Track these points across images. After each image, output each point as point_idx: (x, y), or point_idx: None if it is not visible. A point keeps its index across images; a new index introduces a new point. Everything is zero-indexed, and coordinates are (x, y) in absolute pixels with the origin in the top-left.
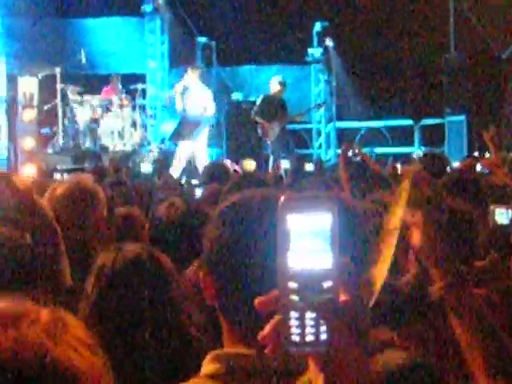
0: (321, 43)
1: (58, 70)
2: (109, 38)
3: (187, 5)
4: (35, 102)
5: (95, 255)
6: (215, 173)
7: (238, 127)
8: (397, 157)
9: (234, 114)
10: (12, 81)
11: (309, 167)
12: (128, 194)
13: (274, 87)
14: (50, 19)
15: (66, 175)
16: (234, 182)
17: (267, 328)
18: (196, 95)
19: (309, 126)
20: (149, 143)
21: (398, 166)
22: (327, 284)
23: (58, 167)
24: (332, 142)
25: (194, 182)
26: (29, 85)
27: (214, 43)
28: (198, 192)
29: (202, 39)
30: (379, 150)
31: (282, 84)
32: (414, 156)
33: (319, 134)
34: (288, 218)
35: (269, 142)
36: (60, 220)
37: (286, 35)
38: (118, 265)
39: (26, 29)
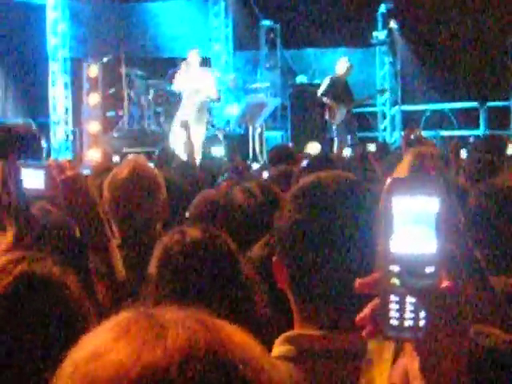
0: (385, 25)
1: (122, 54)
2: (173, 22)
3: None
4: (100, 86)
5: (158, 238)
6: (282, 155)
7: (302, 110)
8: (462, 139)
9: (298, 97)
10: (77, 65)
11: (372, 148)
12: (195, 176)
13: (341, 69)
14: (114, 3)
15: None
16: (306, 164)
17: (365, 310)
18: (194, 78)
19: (374, 108)
20: (213, 126)
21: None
22: (430, 269)
23: (125, 150)
24: (397, 125)
25: (255, 165)
26: (93, 69)
27: (278, 26)
28: (265, 174)
29: (266, 22)
30: (445, 132)
31: (350, 66)
32: (471, 139)
33: (384, 116)
34: (394, 200)
35: (334, 125)
36: (120, 204)
37: (350, 18)
38: (184, 247)
39: (90, 13)
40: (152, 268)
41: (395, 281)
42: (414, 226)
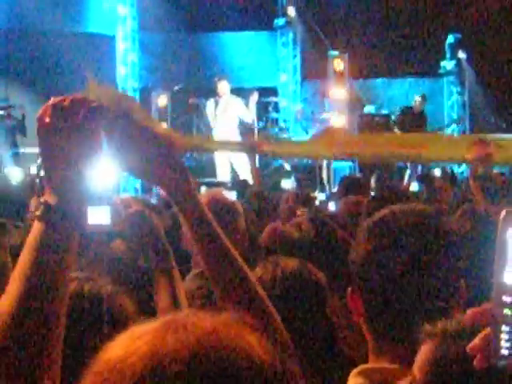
0: (453, 55)
1: (191, 84)
2: (241, 52)
3: (319, 18)
4: (168, 116)
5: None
6: (351, 186)
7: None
8: None
9: (366, 127)
10: (146, 95)
11: (437, 173)
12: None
13: (416, 101)
14: (183, 34)
15: (203, 188)
16: (376, 195)
17: (477, 340)
18: (228, 107)
19: None
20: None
21: None
22: None
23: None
24: None
25: (321, 195)
26: (162, 98)
27: (346, 56)
28: (331, 206)
29: (335, 52)
30: None
31: (423, 97)
32: None
33: None
34: (509, 232)
35: None
36: None
37: (418, 48)
38: (278, 278)
39: (159, 44)
40: None
41: (508, 311)
42: None
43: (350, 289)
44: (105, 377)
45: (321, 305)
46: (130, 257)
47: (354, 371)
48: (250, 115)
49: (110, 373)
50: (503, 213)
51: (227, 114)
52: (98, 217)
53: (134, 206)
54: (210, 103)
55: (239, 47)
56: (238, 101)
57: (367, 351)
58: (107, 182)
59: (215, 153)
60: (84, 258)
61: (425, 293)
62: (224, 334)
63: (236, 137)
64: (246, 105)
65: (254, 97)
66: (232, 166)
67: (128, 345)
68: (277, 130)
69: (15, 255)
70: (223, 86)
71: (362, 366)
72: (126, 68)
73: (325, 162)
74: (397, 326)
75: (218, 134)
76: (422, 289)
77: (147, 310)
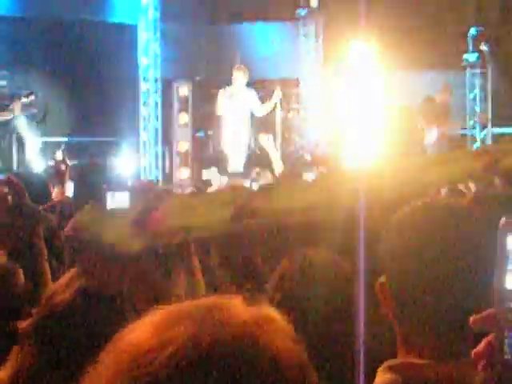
0: (476, 48)
1: (213, 75)
2: (263, 43)
3: (342, 9)
4: (190, 106)
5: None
6: None
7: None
8: None
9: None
10: (167, 85)
11: None
12: None
13: (442, 91)
14: (205, 24)
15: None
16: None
17: (481, 345)
18: (240, 97)
19: (464, 131)
20: (302, 147)
21: None
22: None
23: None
24: None
25: None
26: (184, 89)
27: (369, 47)
28: None
29: (357, 43)
30: None
31: (447, 86)
32: None
33: (474, 139)
34: (509, 238)
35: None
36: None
37: (440, 40)
38: (306, 269)
39: (181, 34)
40: (270, 287)
41: (511, 317)
42: None
43: (379, 282)
44: (133, 365)
45: (347, 296)
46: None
47: (383, 366)
48: (261, 110)
49: (139, 362)
50: (502, 220)
51: (239, 104)
52: (118, 201)
53: (152, 191)
54: (223, 91)
55: (261, 38)
56: (252, 93)
57: (395, 345)
58: (127, 168)
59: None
60: None
61: (456, 290)
62: (260, 328)
63: (246, 128)
64: (262, 98)
65: (278, 92)
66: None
67: (161, 332)
68: (298, 120)
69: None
70: (238, 76)
71: (390, 361)
72: (148, 58)
73: None
74: (428, 323)
75: (227, 123)
76: (453, 283)
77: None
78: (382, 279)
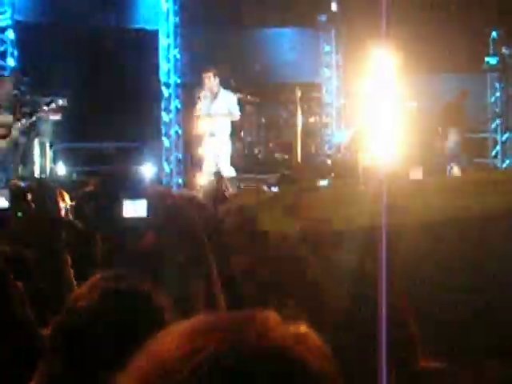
0: (497, 51)
1: (233, 79)
2: (284, 48)
3: (362, 13)
4: None
5: None
6: None
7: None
8: None
9: (407, 122)
10: (188, 90)
11: None
12: None
13: (459, 96)
14: (225, 30)
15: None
16: None
17: None
18: (218, 99)
19: (485, 135)
20: (322, 152)
21: None
22: None
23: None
24: (509, 152)
25: None
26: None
27: (389, 52)
28: None
29: (377, 48)
30: None
31: (464, 93)
32: None
33: (495, 143)
34: None
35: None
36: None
37: (461, 44)
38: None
39: (202, 39)
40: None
41: None
42: None
43: None
44: (161, 374)
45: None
46: (160, 249)
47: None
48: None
49: (167, 370)
50: None
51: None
52: (135, 210)
53: (170, 199)
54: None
55: (282, 43)
56: (229, 94)
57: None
58: (144, 176)
59: (204, 145)
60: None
61: None
62: (297, 345)
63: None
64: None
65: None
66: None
67: (191, 341)
68: (319, 125)
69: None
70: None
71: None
72: (169, 63)
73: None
74: None
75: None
76: None
77: (181, 306)
78: None
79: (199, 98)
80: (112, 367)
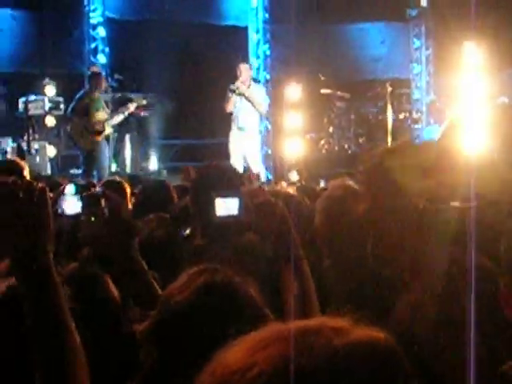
0: None
1: (323, 76)
2: (374, 44)
3: (453, 8)
4: (300, 107)
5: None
6: None
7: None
8: None
9: (498, 118)
10: (277, 86)
11: None
12: None
13: None
14: (314, 25)
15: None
16: None
17: None
18: (250, 93)
19: None
20: None
21: None
22: None
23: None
24: None
25: None
26: (293, 89)
27: (481, 47)
28: None
29: (469, 44)
30: None
31: None
32: None
33: None
34: None
35: None
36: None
37: None
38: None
39: (291, 35)
40: None
41: None
42: None
43: (502, 282)
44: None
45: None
46: (261, 248)
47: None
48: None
49: (227, 382)
50: None
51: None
52: (227, 208)
53: (262, 197)
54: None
55: (371, 38)
56: (259, 88)
57: None
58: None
59: (230, 143)
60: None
61: None
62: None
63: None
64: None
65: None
66: (245, 157)
67: (252, 353)
68: (409, 122)
69: None
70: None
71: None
72: (258, 59)
73: None
74: None
75: (240, 114)
76: None
77: (273, 303)
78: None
79: (232, 90)
80: (205, 362)
